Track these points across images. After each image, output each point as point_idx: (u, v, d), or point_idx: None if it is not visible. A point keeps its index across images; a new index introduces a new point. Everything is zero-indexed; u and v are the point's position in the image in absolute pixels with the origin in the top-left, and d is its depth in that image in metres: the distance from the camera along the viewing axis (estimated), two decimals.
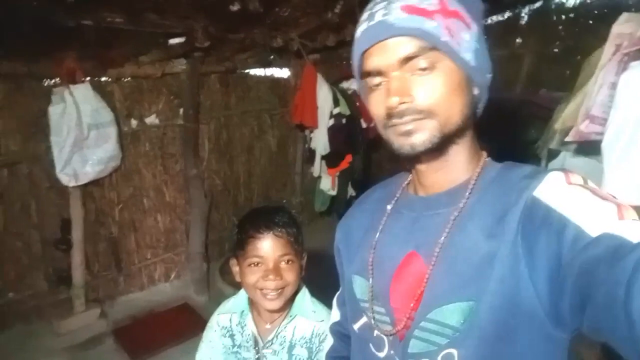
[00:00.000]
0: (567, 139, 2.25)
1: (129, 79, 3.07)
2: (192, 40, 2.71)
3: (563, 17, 4.30)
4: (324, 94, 3.58)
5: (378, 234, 0.84)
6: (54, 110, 2.55)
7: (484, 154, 0.80)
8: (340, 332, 1.03)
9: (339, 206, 4.28)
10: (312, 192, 4.42)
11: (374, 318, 0.80)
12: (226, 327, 1.31)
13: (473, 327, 0.65)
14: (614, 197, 0.61)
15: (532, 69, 4.65)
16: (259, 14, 2.44)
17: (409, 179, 0.86)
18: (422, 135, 0.69)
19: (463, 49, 0.69)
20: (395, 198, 0.86)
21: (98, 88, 2.79)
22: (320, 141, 3.70)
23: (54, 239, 2.94)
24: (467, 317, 0.66)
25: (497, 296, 0.64)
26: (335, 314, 1.04)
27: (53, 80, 2.68)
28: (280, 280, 1.16)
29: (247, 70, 3.79)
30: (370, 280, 0.82)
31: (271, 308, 1.20)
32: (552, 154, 3.14)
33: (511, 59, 4.82)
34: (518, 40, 4.79)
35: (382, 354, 0.79)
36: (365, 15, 0.73)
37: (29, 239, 2.88)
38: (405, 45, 0.67)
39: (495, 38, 4.93)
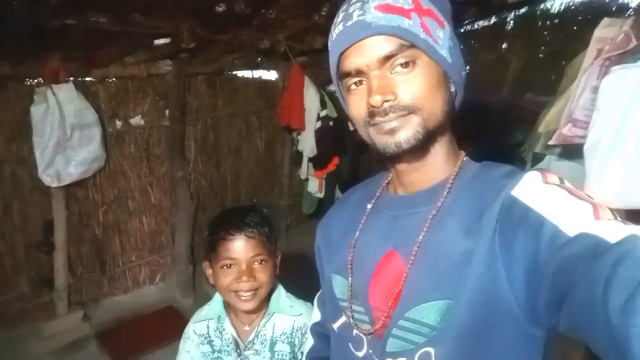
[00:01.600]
0: (550, 142, 2.27)
1: (114, 79, 3.04)
2: (178, 41, 2.69)
3: (548, 22, 4.36)
4: (311, 96, 3.58)
5: (358, 232, 0.84)
6: (36, 111, 2.51)
7: (463, 153, 0.81)
8: (321, 332, 1.03)
9: (326, 208, 4.28)
10: (300, 194, 4.41)
11: (352, 317, 0.81)
12: (203, 335, 1.30)
13: (450, 325, 0.66)
14: (590, 197, 0.61)
15: (518, 73, 4.71)
16: (246, 15, 2.43)
17: (389, 178, 0.87)
18: (406, 132, 0.69)
19: (439, 46, 0.70)
20: (376, 197, 0.86)
21: (82, 88, 2.76)
22: (307, 143, 3.70)
23: (37, 241, 2.89)
24: (445, 315, 0.66)
25: (474, 294, 0.64)
26: (316, 314, 1.05)
27: (36, 81, 2.64)
28: (254, 282, 1.16)
29: (234, 72, 3.77)
30: (350, 279, 0.82)
31: (246, 309, 1.20)
32: (537, 158, 3.17)
33: (498, 63, 4.87)
34: (505, 44, 4.85)
35: (360, 354, 0.80)
36: (340, 16, 0.72)
37: (12, 241, 2.84)
38: (384, 44, 0.67)
39: (483, 42, 4.99)
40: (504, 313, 0.63)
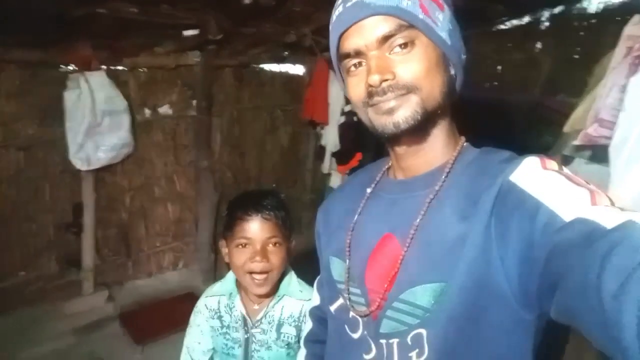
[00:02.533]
0: (575, 142, 2.22)
1: (144, 69, 3.14)
2: (205, 33, 2.75)
3: (585, 22, 4.22)
4: (335, 90, 3.59)
5: (357, 216, 0.85)
6: (69, 96, 2.63)
7: (462, 138, 0.80)
8: (319, 316, 1.05)
9: None
10: (322, 189, 4.43)
11: (349, 299, 0.81)
12: (214, 309, 1.33)
13: (442, 307, 0.66)
14: (587, 182, 0.61)
15: (550, 74, 4.59)
16: (271, 7, 2.47)
17: (389, 163, 0.87)
18: (405, 112, 0.69)
19: (438, 28, 0.70)
20: (376, 182, 0.87)
21: (113, 77, 2.87)
22: (330, 138, 3.72)
23: (66, 223, 3.02)
24: (438, 297, 0.67)
25: (467, 277, 0.65)
26: (315, 298, 1.06)
27: (69, 67, 2.76)
28: (267, 263, 1.18)
29: (260, 65, 3.82)
30: (347, 261, 0.83)
31: (258, 293, 1.23)
32: (566, 160, 3.10)
33: (529, 63, 4.76)
34: (537, 45, 4.72)
35: (356, 335, 0.80)
36: None
37: (43, 222, 2.97)
38: (383, 24, 0.68)
39: (514, 42, 4.88)
40: (496, 296, 0.63)
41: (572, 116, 2.25)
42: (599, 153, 2.16)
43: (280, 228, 1.22)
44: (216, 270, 3.71)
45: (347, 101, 3.66)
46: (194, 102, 3.47)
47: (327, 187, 4.23)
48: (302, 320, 1.28)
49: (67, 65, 2.74)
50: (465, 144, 0.79)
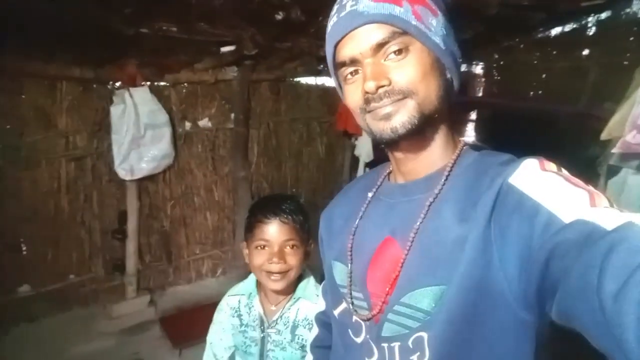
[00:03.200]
0: (613, 150, 2.15)
1: (185, 84, 3.31)
2: (241, 49, 2.87)
3: (634, 27, 4.05)
4: None
5: (358, 220, 0.85)
6: (115, 111, 2.82)
7: (462, 141, 0.81)
8: (325, 321, 1.05)
9: None
10: None
11: (352, 303, 0.82)
12: (234, 308, 1.39)
13: (443, 310, 0.66)
14: (586, 184, 0.61)
15: (597, 81, 4.41)
16: (302, 23, 2.55)
17: (390, 167, 0.87)
18: (401, 117, 0.70)
19: (432, 33, 0.71)
20: (377, 186, 0.87)
21: (156, 92, 3.05)
22: (364, 148, 3.75)
23: (112, 229, 3.20)
24: (438, 300, 0.67)
25: (467, 280, 0.64)
26: (321, 304, 1.06)
27: (115, 84, 2.96)
28: (284, 264, 1.23)
29: (296, 79, 3.92)
30: (349, 265, 0.83)
31: (275, 288, 1.27)
32: (613, 171, 2.96)
33: (576, 71, 4.59)
34: (584, 52, 4.57)
35: (359, 339, 0.81)
36: (334, 8, 0.75)
37: (91, 228, 3.17)
38: (376, 32, 0.69)
39: (559, 49, 4.74)
40: (495, 299, 0.63)
41: (609, 123, 2.17)
42: (635, 160, 2.08)
43: (297, 231, 1.26)
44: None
45: None
46: (232, 115, 3.60)
47: None
48: None
49: (114, 82, 2.94)
50: (465, 147, 0.79)
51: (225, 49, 2.97)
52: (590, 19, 4.42)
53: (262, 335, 1.33)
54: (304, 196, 4.33)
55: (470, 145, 0.81)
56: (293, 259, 1.25)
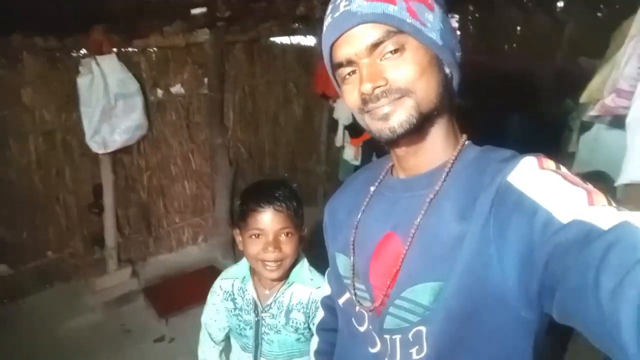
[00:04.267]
0: (591, 113, 2.17)
1: (155, 49, 3.14)
2: (214, 10, 2.73)
3: None
4: None
5: (360, 214, 0.86)
6: (82, 82, 2.67)
7: (464, 136, 0.81)
8: (331, 305, 1.07)
9: None
10: (337, 161, 4.44)
11: (355, 294, 0.84)
12: (228, 292, 1.39)
13: (441, 306, 0.68)
14: (585, 182, 0.61)
15: (573, 35, 4.42)
16: None
17: (392, 162, 0.88)
18: (399, 116, 0.70)
19: (428, 29, 0.70)
20: (379, 180, 0.88)
21: (124, 59, 2.88)
22: (343, 111, 3.69)
23: (88, 203, 3.12)
24: (437, 296, 0.68)
25: (465, 276, 0.66)
26: (327, 289, 1.09)
27: (81, 52, 2.78)
28: (280, 253, 1.22)
29: (271, 40, 3.77)
30: (352, 258, 0.85)
31: (271, 277, 1.27)
32: (586, 126, 3.02)
33: (552, 26, 4.58)
34: (559, 4, 4.54)
35: (362, 329, 0.84)
36: (329, 9, 0.74)
37: (65, 203, 3.08)
38: (371, 32, 0.68)
39: (535, 3, 4.69)
40: (494, 296, 0.65)
41: (589, 86, 2.18)
42: (618, 118, 2.11)
43: (292, 219, 1.24)
44: (234, 243, 3.79)
45: None
46: (206, 80, 3.47)
47: (342, 160, 4.24)
48: (310, 307, 1.32)
49: (79, 51, 2.77)
50: (466, 142, 0.79)
51: (195, 11, 2.82)
52: None
53: (256, 319, 1.34)
54: (283, 159, 4.30)
55: (472, 141, 0.81)
56: (288, 247, 1.24)
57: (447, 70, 0.75)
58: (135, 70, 3.01)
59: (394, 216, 0.79)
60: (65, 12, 2.29)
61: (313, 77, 3.92)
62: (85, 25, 2.59)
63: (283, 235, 1.23)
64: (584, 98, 2.29)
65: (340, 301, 0.92)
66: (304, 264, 1.38)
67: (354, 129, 3.81)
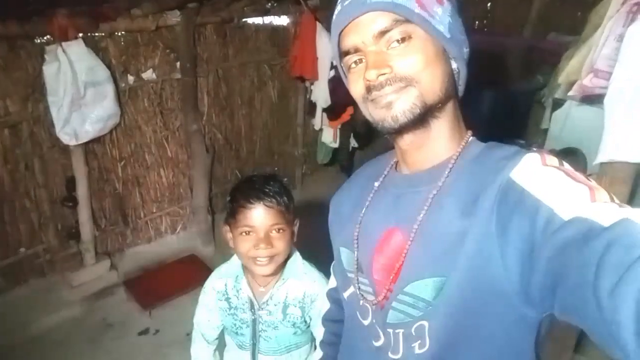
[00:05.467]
0: (569, 93, 2.20)
1: (123, 33, 2.99)
2: None
3: None
4: (324, 43, 3.47)
5: (364, 209, 0.87)
6: (48, 70, 2.51)
7: (469, 133, 0.81)
8: (336, 297, 1.08)
9: (341, 158, 4.30)
10: (314, 142, 4.41)
11: (359, 288, 0.85)
12: (221, 291, 1.37)
13: (443, 301, 0.69)
14: (588, 178, 0.62)
15: (542, 10, 4.47)
16: None
17: (396, 158, 0.88)
18: (403, 105, 0.70)
19: (436, 21, 0.70)
20: (383, 176, 0.89)
21: (92, 45, 2.73)
22: (321, 93, 3.65)
23: (61, 197, 2.99)
24: (439, 291, 0.69)
25: (467, 273, 0.67)
26: (332, 281, 1.10)
27: (45, 38, 2.62)
28: (272, 249, 1.20)
29: (244, 20, 3.66)
30: (356, 252, 0.86)
31: (262, 273, 1.25)
32: (557, 103, 3.08)
33: (520, 1, 4.62)
34: None
35: (366, 322, 0.85)
36: None
37: (36, 197, 2.94)
38: (379, 20, 0.69)
39: None
40: (496, 293, 0.65)
41: (567, 67, 2.21)
42: (590, 95, 2.15)
43: (283, 214, 1.22)
44: (214, 230, 3.75)
45: None
46: (178, 64, 3.34)
47: (320, 142, 4.21)
48: (306, 301, 1.32)
49: (43, 37, 2.61)
50: (470, 138, 0.80)
51: None
52: None
53: (253, 317, 1.33)
54: (259, 142, 4.24)
55: (477, 137, 0.82)
56: (280, 242, 1.22)
57: (454, 65, 0.75)
58: (104, 56, 2.87)
59: (397, 212, 0.80)
60: None
61: (289, 60, 3.84)
62: (47, 9, 2.43)
63: (274, 232, 1.21)
64: (561, 78, 2.33)
65: (345, 294, 0.92)
66: (297, 258, 1.37)
67: (332, 112, 3.78)
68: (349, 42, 0.72)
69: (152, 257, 3.56)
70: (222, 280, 1.38)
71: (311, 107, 3.93)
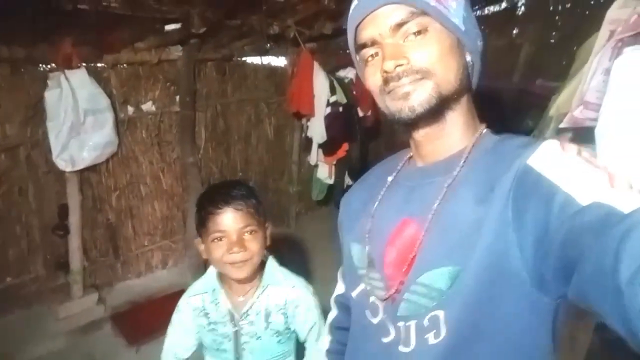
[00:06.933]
0: (561, 125, 2.26)
1: (125, 65, 3.06)
2: (188, 27, 2.71)
3: (560, 6, 4.31)
4: (320, 81, 3.58)
5: (377, 203, 0.87)
6: (50, 95, 2.55)
7: (483, 125, 0.81)
8: (344, 303, 1.05)
9: (336, 195, 4.30)
10: (309, 181, 4.43)
11: (370, 284, 0.83)
12: (198, 308, 1.33)
13: (459, 290, 0.67)
14: (606, 166, 0.61)
15: (529, 58, 4.66)
16: None
17: (411, 152, 0.89)
18: (420, 96, 0.71)
19: (451, 14, 0.71)
20: (397, 171, 0.89)
21: (94, 74, 2.79)
22: (317, 129, 3.71)
23: (52, 225, 2.94)
24: (454, 280, 0.68)
25: (483, 261, 0.65)
26: (340, 287, 1.07)
27: (49, 65, 2.68)
28: (246, 252, 1.18)
29: (244, 58, 3.78)
30: (367, 247, 0.85)
31: (239, 277, 1.22)
32: None
33: (509, 49, 4.83)
34: (515, 30, 4.79)
35: (375, 320, 0.82)
36: None
37: (28, 224, 2.89)
38: (395, 13, 0.70)
39: (493, 28, 4.94)
40: (512, 280, 0.64)
41: (558, 99, 2.28)
42: (580, 134, 2.21)
43: (253, 215, 1.21)
44: (206, 266, 3.67)
45: (332, 92, 3.66)
46: (177, 97, 3.40)
47: (315, 179, 4.23)
48: (288, 307, 1.30)
49: (48, 63, 2.66)
50: (485, 130, 0.80)
51: (170, 27, 2.78)
52: None
53: (234, 329, 1.29)
54: (254, 178, 4.24)
55: (491, 130, 0.82)
56: (253, 244, 1.21)
57: (469, 58, 0.77)
58: (105, 86, 2.92)
59: (411, 203, 0.79)
60: (33, 22, 2.20)
61: (285, 96, 3.94)
62: (53, 37, 2.49)
63: (247, 234, 1.20)
64: (553, 111, 2.39)
65: (354, 293, 0.90)
66: (273, 264, 1.35)
67: (328, 147, 3.83)
68: (366, 35, 0.74)
69: (142, 291, 3.45)
70: (198, 296, 1.34)
71: (307, 143, 3.98)
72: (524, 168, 0.64)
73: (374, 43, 0.73)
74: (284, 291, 1.30)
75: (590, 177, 0.58)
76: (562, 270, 0.57)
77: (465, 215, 0.69)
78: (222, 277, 1.31)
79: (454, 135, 0.78)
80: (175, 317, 1.38)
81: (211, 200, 1.20)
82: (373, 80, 0.76)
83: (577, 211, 0.55)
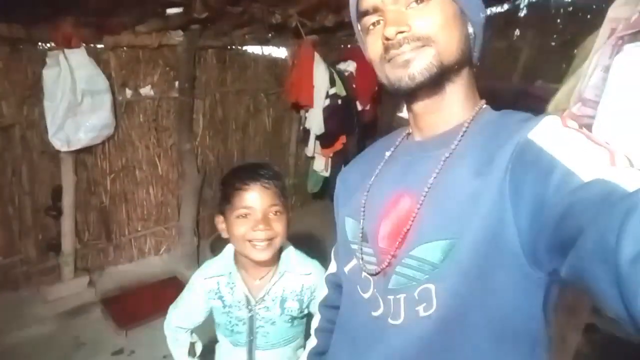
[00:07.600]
0: None
1: (125, 48, 3.05)
2: (190, 11, 2.69)
3: (561, 10, 4.32)
4: (320, 73, 3.57)
5: (373, 178, 0.86)
6: (48, 74, 2.53)
7: (483, 101, 0.81)
8: (335, 282, 1.05)
9: (331, 189, 4.29)
10: (305, 174, 4.42)
11: (362, 259, 0.82)
12: (213, 290, 1.31)
13: (452, 263, 0.67)
14: (607, 143, 0.59)
15: (529, 61, 4.68)
16: None
17: (409, 129, 0.88)
18: (420, 63, 0.70)
19: None
20: (395, 146, 0.88)
21: (94, 55, 2.77)
22: (315, 121, 3.70)
23: (45, 206, 2.92)
24: (447, 254, 0.67)
25: (478, 234, 0.64)
26: (332, 266, 1.07)
27: (48, 44, 2.65)
28: (270, 231, 1.17)
29: (244, 47, 3.76)
30: (361, 222, 0.84)
31: (260, 259, 1.20)
32: None
33: (509, 51, 4.84)
34: (516, 32, 4.81)
35: (367, 295, 0.81)
36: None
37: (20, 205, 2.87)
38: None
39: (494, 30, 4.96)
40: (507, 254, 0.63)
41: (556, 96, 2.29)
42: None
43: (279, 196, 1.20)
44: (199, 254, 3.67)
45: (332, 84, 3.65)
46: (176, 83, 3.39)
47: (311, 171, 4.22)
48: (304, 294, 1.29)
49: (46, 42, 2.64)
50: (484, 106, 0.79)
51: (171, 10, 2.76)
52: (524, 1, 4.65)
53: (249, 314, 1.28)
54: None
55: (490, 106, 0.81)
56: (278, 225, 1.19)
57: (471, 30, 0.76)
58: (104, 68, 2.90)
59: (408, 177, 0.79)
60: (33, 1, 2.18)
61: (284, 88, 3.93)
62: (53, 17, 2.47)
63: (272, 214, 1.19)
64: (551, 107, 2.39)
65: (347, 268, 0.89)
66: (291, 250, 1.34)
67: (325, 140, 3.83)
68: (368, 2, 0.73)
69: (133, 277, 3.44)
70: (214, 279, 1.32)
71: (305, 135, 3.97)
72: (525, 141, 0.63)
73: (375, 10, 0.73)
74: (300, 278, 1.29)
75: (592, 153, 0.57)
76: (558, 246, 0.55)
77: (462, 188, 0.68)
78: (238, 261, 1.29)
79: (453, 108, 0.77)
80: (186, 294, 1.36)
81: (239, 176, 1.19)
82: (373, 49, 0.75)
83: (579, 186, 0.54)
